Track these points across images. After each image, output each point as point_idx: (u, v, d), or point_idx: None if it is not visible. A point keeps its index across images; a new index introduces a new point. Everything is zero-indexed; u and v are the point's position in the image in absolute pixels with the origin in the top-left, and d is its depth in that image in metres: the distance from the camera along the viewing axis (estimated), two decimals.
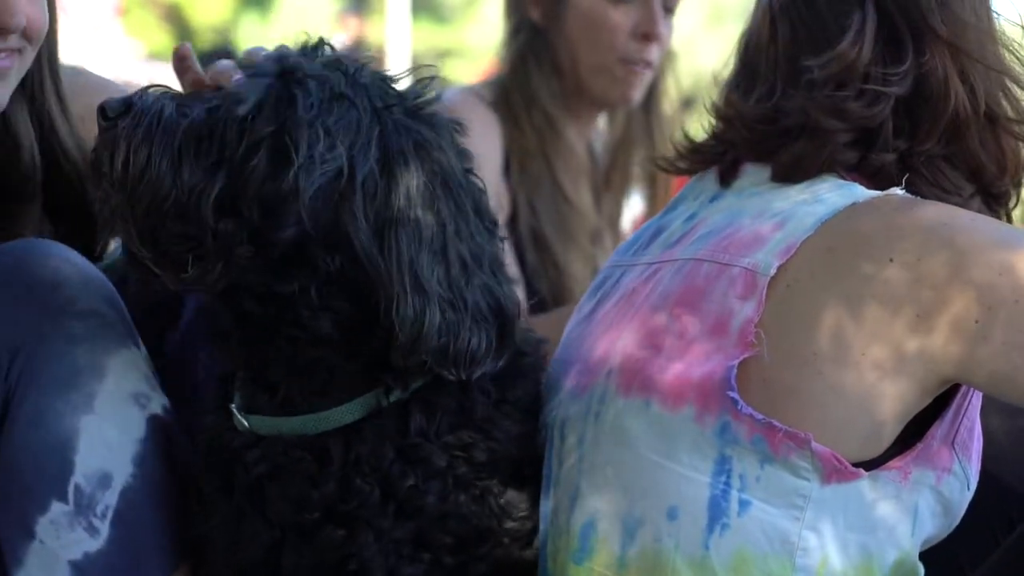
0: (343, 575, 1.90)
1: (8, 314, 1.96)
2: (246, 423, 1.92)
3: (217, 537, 1.97)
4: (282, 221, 1.81)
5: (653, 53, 3.16)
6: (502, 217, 3.09)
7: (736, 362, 1.87)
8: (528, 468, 2.01)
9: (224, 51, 9.60)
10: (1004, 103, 2.00)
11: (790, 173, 2.00)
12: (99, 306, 2.00)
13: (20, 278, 1.97)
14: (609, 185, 3.33)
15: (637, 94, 3.19)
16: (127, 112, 1.80)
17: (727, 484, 1.88)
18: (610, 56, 3.15)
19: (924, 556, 2.03)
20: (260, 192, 1.81)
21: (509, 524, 1.97)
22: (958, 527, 2.04)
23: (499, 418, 1.97)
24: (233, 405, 1.93)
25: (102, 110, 1.81)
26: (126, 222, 1.81)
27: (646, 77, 3.19)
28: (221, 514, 1.95)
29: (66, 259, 2.01)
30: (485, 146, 3.08)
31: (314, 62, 1.88)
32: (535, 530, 2.01)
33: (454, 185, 1.89)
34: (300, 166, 1.80)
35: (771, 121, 2.01)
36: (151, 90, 1.85)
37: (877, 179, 1.98)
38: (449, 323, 1.83)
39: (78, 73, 2.36)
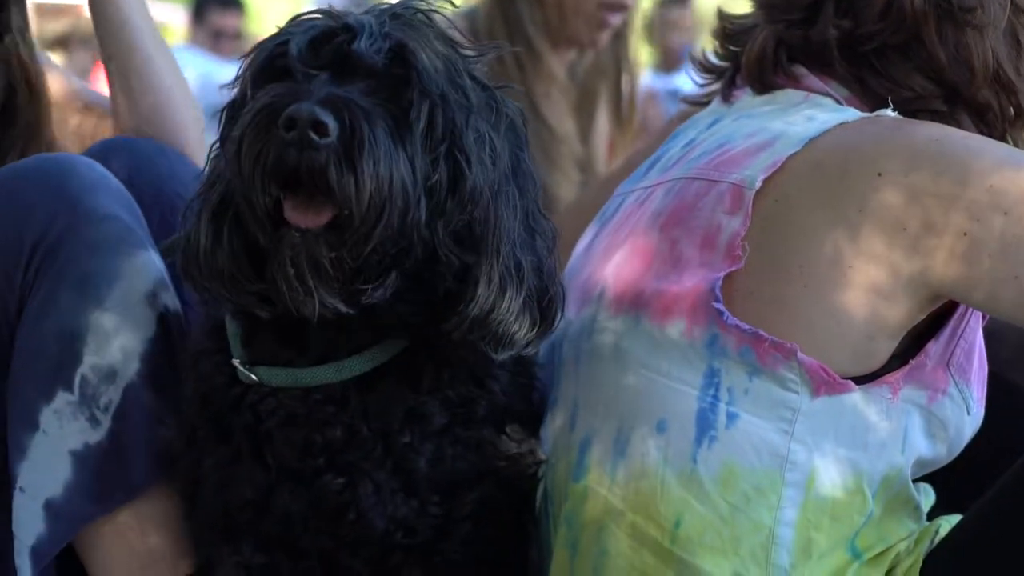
0: (340, 520, 1.92)
1: (40, 209, 2.03)
2: (254, 376, 1.92)
3: (210, 476, 1.98)
4: (449, 222, 1.83)
5: None
6: None
7: (721, 274, 1.89)
8: (525, 416, 2.03)
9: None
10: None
11: (755, 70, 2.04)
12: (119, 212, 2.06)
13: (55, 180, 2.05)
14: (579, 112, 3.38)
15: (607, 36, 3.26)
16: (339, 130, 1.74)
17: (715, 397, 1.90)
18: (592, 1, 3.20)
19: (939, 479, 2.06)
20: (443, 199, 1.82)
21: (504, 468, 1.99)
22: (979, 452, 2.06)
23: (497, 371, 1.98)
24: (236, 360, 1.93)
25: (292, 122, 1.72)
26: (366, 236, 1.77)
27: (618, 20, 3.25)
28: (216, 456, 1.97)
29: (91, 167, 2.09)
30: None
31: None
32: (534, 469, 2.04)
33: (525, 165, 1.91)
34: (474, 173, 1.83)
35: (745, 23, 2.09)
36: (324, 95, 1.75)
37: (827, 68, 2.00)
38: (510, 304, 1.86)
39: None
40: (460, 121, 1.82)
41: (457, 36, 1.89)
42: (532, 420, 2.04)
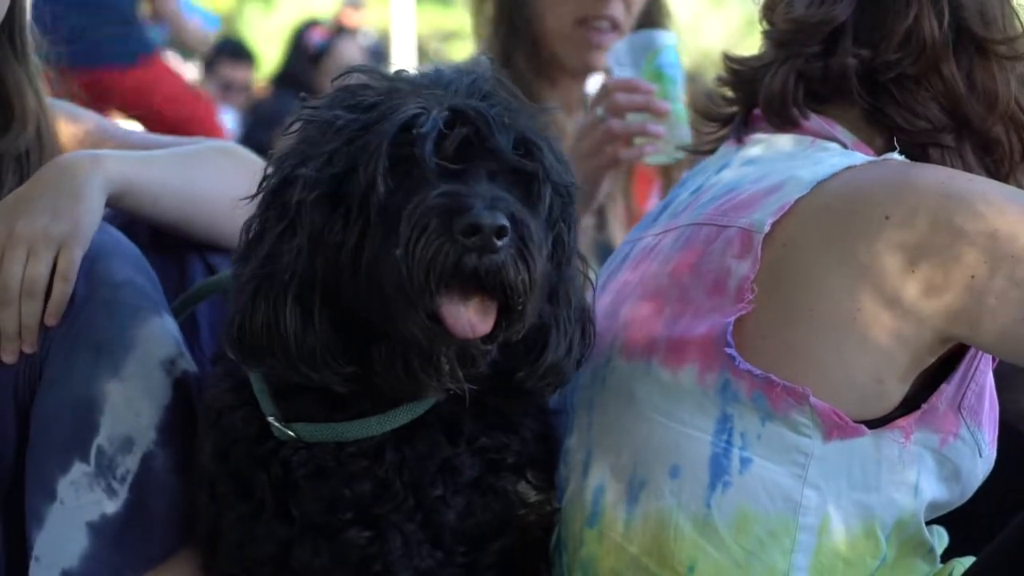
0: (364, 574, 1.92)
1: None
2: (291, 433, 1.92)
3: (229, 533, 1.99)
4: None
5: (615, 9, 3.06)
6: None
7: (732, 319, 1.89)
8: (545, 463, 2.04)
9: (237, 49, 9.63)
10: (992, 29, 2.01)
11: (777, 106, 2.06)
12: (135, 276, 2.07)
13: None
14: None
15: (601, 60, 3.04)
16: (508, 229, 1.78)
17: (728, 442, 1.90)
18: (569, 18, 3.06)
19: (954, 521, 2.06)
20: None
21: (523, 516, 2.00)
22: (993, 494, 2.06)
23: (525, 417, 2.00)
24: (271, 418, 1.93)
25: (476, 228, 1.75)
26: (523, 323, 1.82)
27: (611, 39, 3.06)
28: (236, 512, 1.97)
29: (105, 231, 2.09)
30: None
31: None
32: (550, 517, 2.04)
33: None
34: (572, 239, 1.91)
35: (755, 63, 2.10)
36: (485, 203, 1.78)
37: (844, 105, 2.03)
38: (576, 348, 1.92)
39: None
40: (568, 200, 1.89)
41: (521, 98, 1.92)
42: (550, 467, 2.05)
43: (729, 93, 2.17)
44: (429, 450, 1.92)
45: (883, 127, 2.03)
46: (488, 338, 1.80)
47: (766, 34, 2.12)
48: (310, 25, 9.39)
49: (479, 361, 1.82)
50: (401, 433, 1.91)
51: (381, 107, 1.83)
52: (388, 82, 1.88)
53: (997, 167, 2.03)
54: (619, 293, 2.08)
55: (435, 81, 1.87)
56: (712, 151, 2.20)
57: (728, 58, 2.17)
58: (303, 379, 1.86)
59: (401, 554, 1.92)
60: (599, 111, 2.70)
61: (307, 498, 1.92)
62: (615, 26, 3.06)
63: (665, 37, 2.76)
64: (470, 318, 1.78)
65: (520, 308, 1.79)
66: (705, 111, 2.22)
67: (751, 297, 1.89)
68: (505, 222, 1.75)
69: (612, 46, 2.83)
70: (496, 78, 1.90)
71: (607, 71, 2.86)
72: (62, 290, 2.01)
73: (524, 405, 1.98)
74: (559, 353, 1.89)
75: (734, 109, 2.16)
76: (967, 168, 2.00)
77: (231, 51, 9.35)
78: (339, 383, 1.86)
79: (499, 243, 1.75)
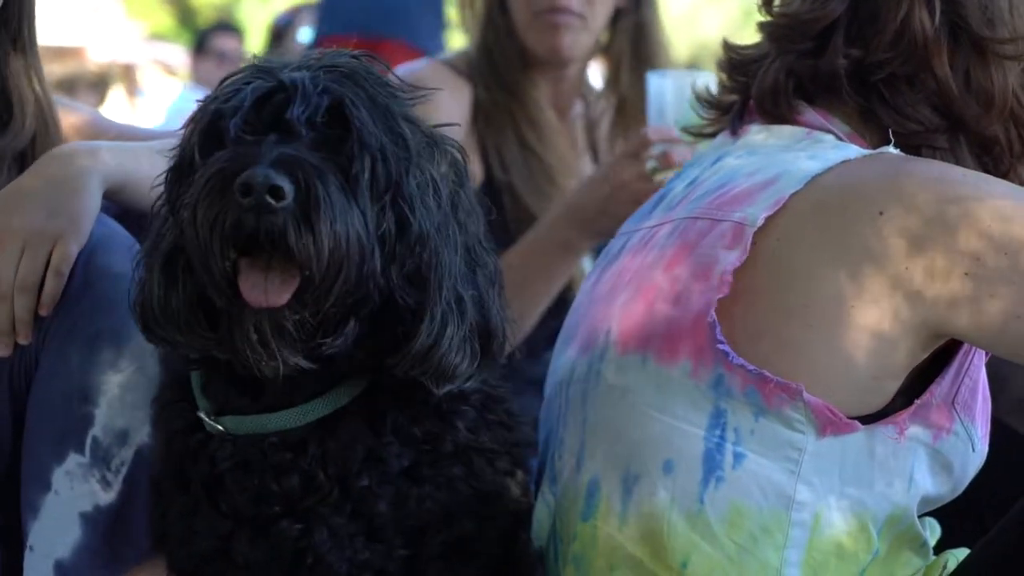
0: (299, 566, 1.91)
1: None
2: (219, 427, 1.92)
3: (172, 529, 1.99)
4: (402, 266, 1.85)
5: (571, 2, 3.06)
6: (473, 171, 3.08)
7: (714, 298, 1.89)
8: (497, 452, 2.01)
9: (225, 24, 9.65)
10: (997, 27, 2.00)
11: (768, 102, 2.06)
12: (131, 269, 2.04)
13: None
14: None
15: (565, 46, 3.09)
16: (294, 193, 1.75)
17: (722, 437, 1.90)
18: (528, 9, 3.09)
19: (947, 514, 2.07)
20: (394, 245, 1.85)
21: (475, 504, 1.97)
22: (985, 487, 2.07)
23: (463, 407, 1.98)
24: (201, 412, 1.93)
25: (248, 187, 1.72)
26: (326, 293, 1.79)
27: (572, 26, 3.07)
28: (176, 507, 1.97)
29: (103, 223, 2.08)
30: (452, 111, 3.03)
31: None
32: (510, 504, 2.02)
33: (465, 201, 1.93)
34: (418, 218, 1.85)
35: (753, 53, 2.11)
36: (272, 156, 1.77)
37: (837, 100, 2.02)
38: (451, 338, 1.87)
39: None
40: (400, 170, 1.83)
41: (395, 80, 1.91)
42: (507, 456, 2.02)
43: (728, 81, 2.17)
44: (352, 440, 1.90)
45: (876, 125, 2.03)
46: (294, 310, 1.77)
47: (761, 26, 2.12)
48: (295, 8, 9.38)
49: (288, 333, 1.78)
50: (324, 424, 1.90)
51: (222, 87, 1.85)
52: (253, 67, 1.88)
53: (996, 164, 2.02)
54: (614, 285, 2.08)
55: (293, 61, 1.86)
56: (713, 134, 2.19)
57: (727, 46, 2.17)
58: (176, 345, 1.85)
59: (331, 546, 1.90)
60: (651, 163, 2.70)
61: (233, 492, 1.91)
62: (572, 13, 3.07)
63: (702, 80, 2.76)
64: (264, 286, 1.76)
65: (308, 275, 1.75)
66: (706, 98, 2.21)
67: (730, 280, 1.89)
68: (280, 182, 1.71)
69: (659, 81, 2.81)
70: (362, 55, 1.89)
71: (649, 115, 2.84)
72: (55, 284, 2.01)
73: (459, 394, 1.95)
74: (428, 341, 1.84)
75: (733, 97, 2.16)
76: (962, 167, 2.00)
77: (220, 27, 9.42)
78: (212, 347, 1.84)
79: (276, 204, 1.72)
